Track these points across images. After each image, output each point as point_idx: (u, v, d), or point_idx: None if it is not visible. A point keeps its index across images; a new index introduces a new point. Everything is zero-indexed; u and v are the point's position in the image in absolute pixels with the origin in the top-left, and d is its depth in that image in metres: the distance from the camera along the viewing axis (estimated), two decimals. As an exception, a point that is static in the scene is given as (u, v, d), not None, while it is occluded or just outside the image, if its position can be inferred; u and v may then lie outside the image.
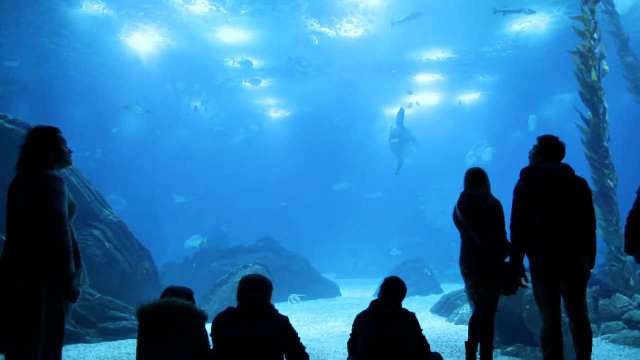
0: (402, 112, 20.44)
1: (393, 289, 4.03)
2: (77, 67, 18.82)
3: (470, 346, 4.71)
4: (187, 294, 3.58)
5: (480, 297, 4.60)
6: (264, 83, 20.93)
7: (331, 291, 15.55)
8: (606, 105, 8.98)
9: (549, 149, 4.39)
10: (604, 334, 7.57)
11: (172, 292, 3.56)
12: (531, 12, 14.25)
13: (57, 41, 16.44)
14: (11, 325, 3.32)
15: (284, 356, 3.46)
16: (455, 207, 4.81)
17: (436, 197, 26.80)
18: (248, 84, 20.84)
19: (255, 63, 18.52)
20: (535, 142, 4.56)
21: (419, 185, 26.85)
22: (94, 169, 23.49)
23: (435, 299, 13.15)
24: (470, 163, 22.58)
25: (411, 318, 3.87)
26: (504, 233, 4.54)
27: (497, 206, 4.58)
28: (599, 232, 4.52)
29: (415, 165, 21.93)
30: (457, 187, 7.43)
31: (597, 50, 8.98)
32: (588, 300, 4.44)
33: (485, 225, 4.54)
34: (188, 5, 14.19)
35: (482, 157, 22.58)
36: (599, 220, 8.46)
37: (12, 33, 15.66)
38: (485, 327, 4.61)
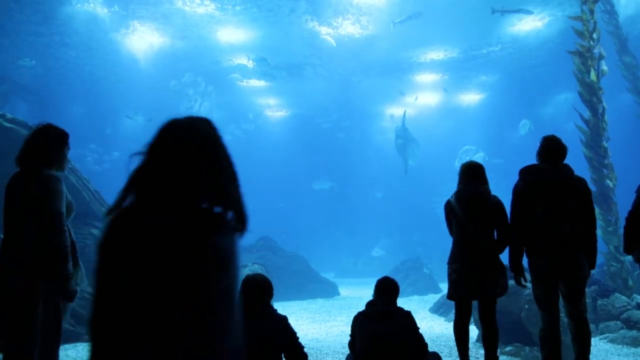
0: (405, 113, 20.76)
1: (386, 288, 4.06)
2: (75, 65, 18.75)
3: (463, 354, 4.55)
4: None
5: (475, 295, 4.48)
6: (262, 82, 20.91)
7: (330, 290, 15.56)
8: (605, 105, 8.99)
9: (549, 149, 4.39)
10: (602, 333, 7.58)
11: None
12: (529, 13, 14.28)
13: (54, 38, 16.38)
14: (8, 324, 3.32)
15: (283, 355, 3.45)
16: (450, 203, 4.59)
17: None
18: (245, 82, 20.76)
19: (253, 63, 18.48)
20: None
21: (432, 184, 26.69)
22: (107, 171, 23.93)
23: (434, 298, 13.16)
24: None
25: (407, 315, 3.89)
26: (510, 232, 4.44)
27: (502, 204, 4.50)
28: (597, 232, 4.50)
29: (418, 165, 22.02)
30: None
31: (596, 50, 8.99)
32: (586, 300, 4.43)
33: (489, 222, 4.45)
34: (189, 4, 14.16)
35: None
36: (598, 220, 8.47)
37: (8, 31, 15.61)
38: (492, 328, 4.47)
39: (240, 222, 1.66)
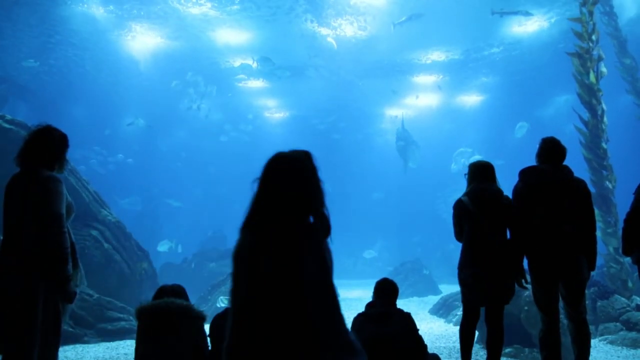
0: (402, 116, 20.94)
1: (385, 289, 4.03)
2: (75, 65, 18.73)
3: (467, 355, 4.43)
4: (179, 292, 3.55)
5: (491, 301, 4.32)
6: (261, 84, 20.89)
7: (329, 292, 15.52)
8: (604, 106, 9.01)
9: (549, 151, 4.39)
10: (601, 335, 7.59)
11: (162, 291, 3.54)
12: (528, 14, 14.29)
13: (54, 39, 16.37)
14: (8, 325, 3.31)
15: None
16: (463, 202, 4.40)
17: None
18: (243, 83, 20.71)
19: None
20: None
21: (432, 186, 26.65)
22: (112, 172, 24.28)
23: (433, 299, 13.15)
24: (456, 170, 22.87)
25: (406, 317, 3.87)
26: (523, 233, 4.32)
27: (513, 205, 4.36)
28: (597, 234, 4.50)
29: (419, 166, 22.03)
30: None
31: (595, 52, 9.01)
32: (586, 302, 4.42)
33: (503, 222, 4.32)
34: (185, 4, 14.16)
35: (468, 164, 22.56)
36: (597, 222, 8.47)
37: (7, 32, 15.60)
38: (498, 332, 4.35)
39: (329, 233, 2.31)
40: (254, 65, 17.79)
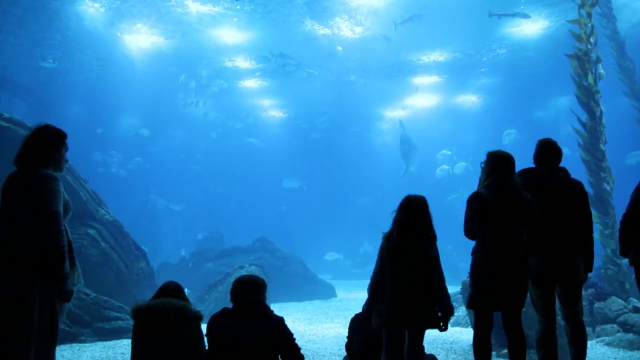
0: (400, 122, 21.08)
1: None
2: (78, 65, 18.67)
3: None
4: (176, 289, 3.54)
5: (509, 305, 4.05)
6: (260, 84, 20.84)
7: (327, 292, 15.53)
8: (602, 108, 9.01)
9: (545, 152, 4.40)
10: (598, 336, 7.59)
11: (163, 289, 3.53)
12: (525, 16, 14.29)
13: (52, 37, 16.31)
14: (4, 324, 3.30)
15: (279, 357, 3.45)
16: (483, 195, 4.03)
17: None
18: (240, 83, 20.65)
19: (252, 64, 18.39)
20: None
21: (431, 187, 26.62)
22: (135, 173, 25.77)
23: (431, 300, 13.14)
24: (441, 176, 22.88)
25: None
26: (539, 234, 4.13)
27: (533, 202, 4.05)
28: (595, 235, 4.49)
29: (417, 167, 22.13)
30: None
31: (593, 54, 9.02)
32: (583, 303, 4.41)
33: (522, 221, 4.01)
34: (183, 3, 14.12)
35: (455, 170, 22.58)
36: (596, 224, 8.49)
37: (4, 30, 15.54)
38: (520, 338, 4.04)
39: (436, 238, 3.92)
40: (272, 60, 17.41)
